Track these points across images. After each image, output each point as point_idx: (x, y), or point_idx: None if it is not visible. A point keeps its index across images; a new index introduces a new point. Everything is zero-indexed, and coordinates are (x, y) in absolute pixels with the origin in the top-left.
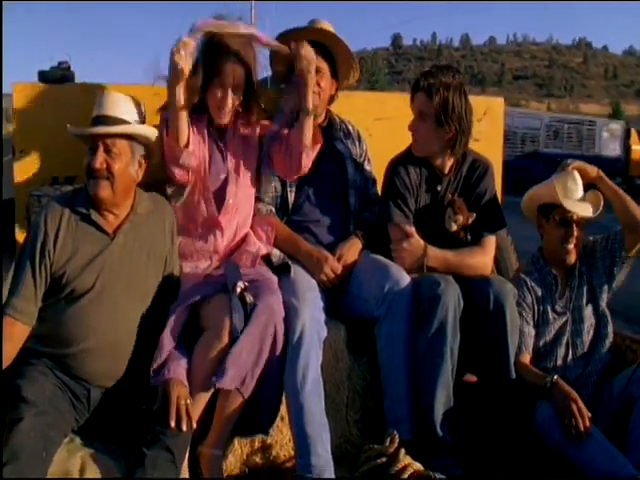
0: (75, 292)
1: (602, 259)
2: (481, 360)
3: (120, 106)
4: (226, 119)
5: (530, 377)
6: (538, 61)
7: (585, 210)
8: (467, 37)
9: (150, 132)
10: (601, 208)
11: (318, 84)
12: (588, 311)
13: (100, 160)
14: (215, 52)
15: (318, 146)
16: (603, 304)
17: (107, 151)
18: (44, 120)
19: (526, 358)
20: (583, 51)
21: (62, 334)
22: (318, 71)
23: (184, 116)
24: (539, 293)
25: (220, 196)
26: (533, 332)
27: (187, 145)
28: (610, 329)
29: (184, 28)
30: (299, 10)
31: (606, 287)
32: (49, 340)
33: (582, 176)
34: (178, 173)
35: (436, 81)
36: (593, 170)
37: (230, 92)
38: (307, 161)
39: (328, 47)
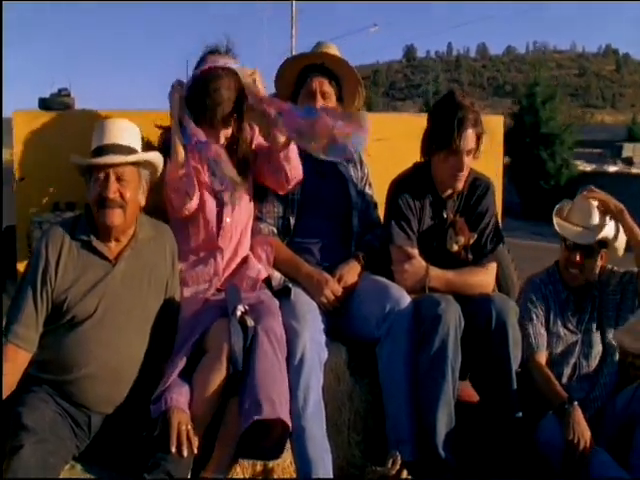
0: (76, 318)
1: (614, 293)
2: (483, 378)
3: (124, 133)
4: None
5: (544, 385)
6: (566, 70)
7: (578, 237)
8: (484, 47)
9: (158, 158)
10: (615, 240)
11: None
12: (597, 337)
13: (114, 189)
14: (202, 89)
15: (294, 146)
16: (610, 335)
17: (118, 179)
18: (45, 147)
19: (542, 357)
20: (614, 58)
21: (63, 360)
22: (325, 95)
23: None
24: (551, 305)
25: (217, 217)
26: (544, 332)
27: (183, 167)
28: (616, 358)
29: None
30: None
31: (614, 322)
32: (50, 366)
33: (603, 206)
34: (176, 200)
35: (476, 114)
36: (615, 205)
37: (222, 129)
38: (293, 171)
39: (334, 72)
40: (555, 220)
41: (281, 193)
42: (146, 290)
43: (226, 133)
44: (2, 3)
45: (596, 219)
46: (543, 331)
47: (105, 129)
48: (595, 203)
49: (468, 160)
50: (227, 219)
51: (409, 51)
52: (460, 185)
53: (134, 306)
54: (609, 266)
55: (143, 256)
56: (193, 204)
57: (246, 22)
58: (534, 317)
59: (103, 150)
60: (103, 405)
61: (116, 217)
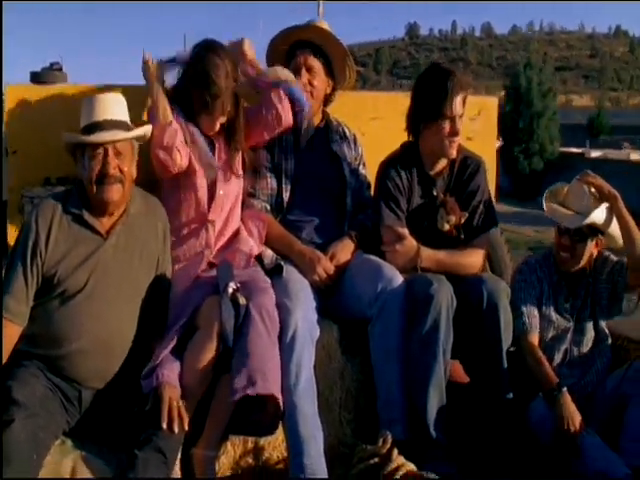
0: (67, 292)
1: (606, 282)
2: (474, 359)
3: (115, 107)
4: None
5: (536, 367)
6: (577, 50)
7: (569, 221)
8: (489, 26)
9: (149, 130)
10: (606, 225)
11: (310, 83)
12: (589, 325)
13: (114, 165)
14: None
15: (284, 95)
16: (603, 324)
17: (116, 155)
18: (36, 121)
19: (535, 338)
20: (625, 40)
21: (53, 334)
22: (310, 69)
23: (162, 94)
24: (545, 288)
25: (209, 189)
26: (537, 313)
27: (170, 123)
28: (608, 344)
29: (172, 29)
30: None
31: (607, 312)
32: (40, 340)
33: (597, 192)
34: (163, 157)
35: (461, 78)
36: (609, 191)
37: (219, 117)
38: (284, 111)
39: (322, 46)
40: (545, 204)
41: (269, 136)
42: (137, 265)
43: (222, 120)
44: (2, 3)
45: (588, 204)
46: (536, 312)
47: (95, 104)
48: (589, 188)
49: (460, 125)
50: (220, 191)
51: (411, 29)
52: (454, 152)
53: (125, 280)
54: (606, 253)
55: (135, 231)
56: (184, 161)
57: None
58: (528, 297)
59: (98, 126)
60: (94, 380)
61: (115, 192)
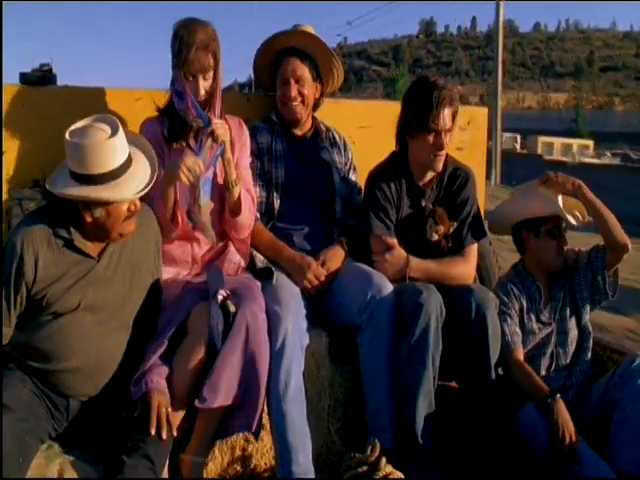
0: (57, 312)
1: (585, 275)
2: (463, 368)
3: (117, 155)
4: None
5: (525, 381)
6: (615, 50)
7: (574, 220)
8: (512, 23)
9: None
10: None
11: (300, 92)
12: (572, 323)
13: (134, 224)
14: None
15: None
16: (586, 317)
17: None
18: (25, 122)
19: (520, 354)
20: None
21: (43, 350)
22: (299, 80)
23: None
24: (523, 303)
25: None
26: (519, 330)
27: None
28: (591, 342)
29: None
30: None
31: (589, 303)
32: (30, 352)
33: (560, 190)
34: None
35: (451, 92)
36: (572, 183)
37: (200, 81)
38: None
39: (306, 50)
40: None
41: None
42: (129, 285)
43: (205, 85)
44: (2, 3)
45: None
46: (518, 330)
47: (98, 155)
48: (550, 190)
49: (447, 140)
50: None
51: (427, 26)
52: (440, 166)
53: (117, 301)
54: (575, 248)
55: (127, 249)
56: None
57: None
58: (508, 318)
59: (108, 178)
60: (82, 395)
61: (133, 226)
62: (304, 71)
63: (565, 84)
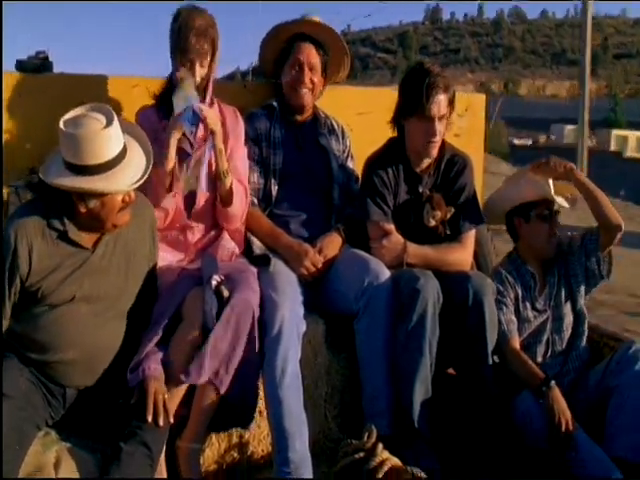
0: (53, 304)
1: (579, 258)
2: (459, 355)
3: (112, 145)
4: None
5: (521, 369)
6: (629, 37)
7: (565, 202)
8: (519, 10)
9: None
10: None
11: (312, 81)
12: (567, 308)
13: (128, 215)
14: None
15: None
16: (581, 301)
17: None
18: (21, 110)
19: (516, 342)
20: None
21: (40, 341)
22: (312, 68)
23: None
24: (518, 291)
25: (190, 195)
26: (514, 318)
27: (171, 189)
28: (586, 327)
29: (160, 16)
30: None
31: (584, 286)
32: (26, 342)
33: (551, 174)
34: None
35: (446, 79)
36: (564, 167)
37: (197, 67)
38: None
39: (321, 41)
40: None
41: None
42: (124, 275)
43: (201, 72)
44: (2, 3)
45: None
46: (514, 318)
47: (91, 146)
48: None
49: (441, 126)
50: (201, 202)
51: (433, 13)
52: (434, 152)
53: (113, 292)
54: (568, 233)
55: (122, 239)
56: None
57: None
58: (504, 307)
59: (103, 169)
60: (79, 385)
61: (127, 216)
62: (317, 60)
63: (565, 72)
